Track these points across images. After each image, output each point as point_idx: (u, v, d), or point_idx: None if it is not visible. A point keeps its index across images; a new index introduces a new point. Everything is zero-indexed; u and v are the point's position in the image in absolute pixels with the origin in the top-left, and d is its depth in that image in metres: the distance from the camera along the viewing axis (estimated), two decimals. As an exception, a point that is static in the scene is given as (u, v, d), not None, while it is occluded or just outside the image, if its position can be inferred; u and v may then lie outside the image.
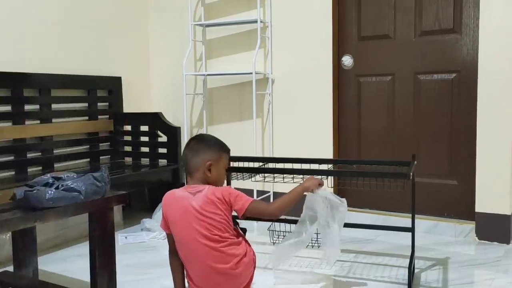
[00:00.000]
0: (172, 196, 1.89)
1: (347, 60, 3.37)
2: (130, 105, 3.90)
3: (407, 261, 2.32)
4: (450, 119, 3.09)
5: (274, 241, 2.58)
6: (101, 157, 3.68)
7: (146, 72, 4.10)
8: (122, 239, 3.07)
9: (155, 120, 3.65)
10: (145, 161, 3.73)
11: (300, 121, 3.47)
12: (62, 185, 1.70)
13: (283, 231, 2.54)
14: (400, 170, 2.23)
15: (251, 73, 3.37)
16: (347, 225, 2.12)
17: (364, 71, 3.34)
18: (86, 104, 3.59)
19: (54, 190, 1.66)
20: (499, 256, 2.65)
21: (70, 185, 1.71)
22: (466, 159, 3.03)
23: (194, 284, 1.83)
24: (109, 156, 3.76)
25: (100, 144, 3.69)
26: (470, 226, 2.97)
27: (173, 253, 1.90)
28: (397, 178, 2.00)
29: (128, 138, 3.80)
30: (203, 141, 1.94)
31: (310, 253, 2.59)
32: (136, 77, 4.00)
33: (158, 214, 3.28)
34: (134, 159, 3.78)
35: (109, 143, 3.76)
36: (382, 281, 2.32)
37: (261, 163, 2.65)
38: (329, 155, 3.37)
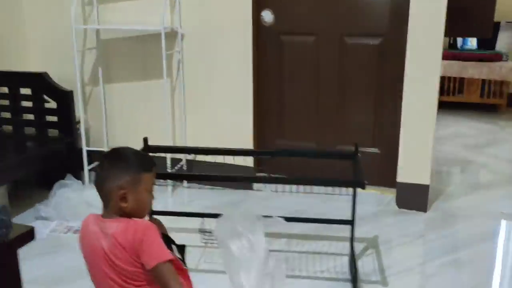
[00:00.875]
0: (86, 228, 1.50)
1: (267, 16, 3.01)
2: (1, 64, 3.16)
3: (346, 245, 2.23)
4: (376, 87, 2.97)
5: (206, 242, 2.33)
6: (-29, 129, 3.01)
7: (19, 23, 3.32)
8: (14, 235, 2.58)
9: (40, 81, 3.02)
10: (29, 130, 3.13)
11: (216, 83, 3.11)
12: None
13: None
14: (353, 176, 2.01)
15: (158, 29, 2.87)
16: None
17: (286, 29, 3.02)
18: None
19: None
20: (417, 224, 2.72)
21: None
22: (390, 128, 2.97)
23: None
24: (-18, 126, 3.09)
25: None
26: (391, 195, 2.99)
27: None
28: (351, 187, 1.82)
29: (5, 102, 3.13)
30: (116, 161, 1.49)
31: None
32: (5, 29, 3.22)
33: (55, 199, 2.81)
34: (16, 128, 3.15)
35: (-20, 110, 3.08)
36: (323, 277, 2.22)
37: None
38: (249, 124, 3.10)
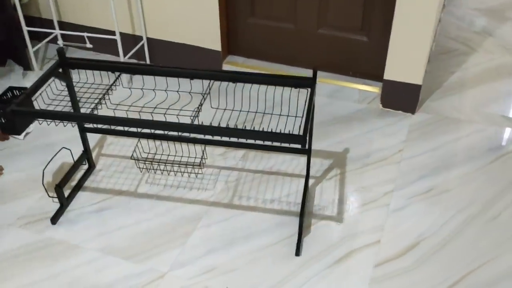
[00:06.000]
0: None
1: None
2: None
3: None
4: (368, -41, 2.32)
5: (142, 168, 2.07)
6: None
7: None
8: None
9: None
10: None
11: None
12: None
13: (150, 157, 2.01)
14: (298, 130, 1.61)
15: None
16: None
17: None
18: None
19: None
20: (400, 131, 2.38)
21: None
22: (382, 14, 2.41)
23: None
24: None
25: None
26: (375, 92, 2.58)
27: None
28: (292, 142, 1.45)
29: None
30: None
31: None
32: None
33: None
34: None
35: None
36: (271, 209, 1.99)
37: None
38: (214, 6, 2.56)
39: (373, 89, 2.58)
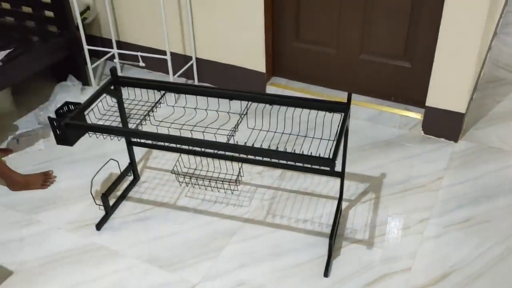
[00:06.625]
0: None
1: None
2: None
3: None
4: (413, -13, 2.35)
5: (182, 182, 2.18)
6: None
7: None
8: (13, 143, 2.58)
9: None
10: (30, 24, 2.93)
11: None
12: None
13: (190, 172, 2.10)
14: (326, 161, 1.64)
15: None
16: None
17: None
18: None
19: None
20: (441, 158, 2.35)
21: None
22: (425, 40, 2.42)
23: None
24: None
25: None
26: (416, 118, 2.57)
27: None
28: (321, 165, 1.50)
29: (2, -8, 2.90)
30: None
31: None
32: None
33: (55, 102, 2.71)
34: (18, 20, 2.95)
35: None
36: (302, 229, 2.03)
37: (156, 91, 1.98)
38: (260, 21, 2.66)
39: (415, 115, 2.58)
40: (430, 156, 2.40)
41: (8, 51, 2.08)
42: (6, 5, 2.94)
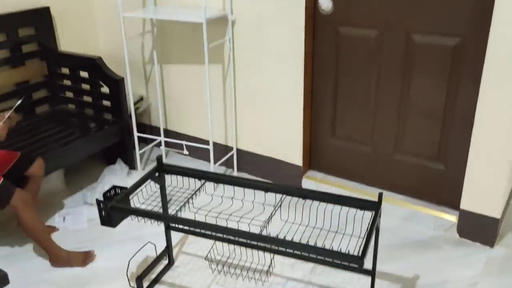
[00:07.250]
0: None
1: (325, 3, 2.61)
2: (68, 43, 3.24)
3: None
4: (445, 93, 2.47)
5: (214, 269, 2.24)
6: (37, 108, 3.16)
7: (85, 2, 3.35)
8: (59, 221, 2.73)
9: (94, 66, 3.03)
10: (89, 111, 3.21)
11: (267, 75, 2.85)
12: None
13: (223, 260, 2.16)
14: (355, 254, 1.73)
15: (200, 21, 2.65)
16: None
17: (345, 19, 2.60)
18: (7, 49, 2.95)
19: None
20: (476, 262, 2.31)
21: None
22: (459, 142, 2.49)
23: None
24: (47, 104, 3.23)
25: (35, 93, 3.15)
26: (451, 220, 2.57)
27: None
28: (349, 262, 1.54)
29: (68, 83, 3.23)
30: None
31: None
32: (71, 7, 3.26)
33: (101, 186, 2.89)
34: (78, 108, 3.25)
35: (45, 89, 3.20)
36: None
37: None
38: (299, 120, 2.83)
39: (449, 217, 2.58)
40: (465, 260, 2.37)
41: (19, 101, 2.29)
42: (69, 94, 3.25)
